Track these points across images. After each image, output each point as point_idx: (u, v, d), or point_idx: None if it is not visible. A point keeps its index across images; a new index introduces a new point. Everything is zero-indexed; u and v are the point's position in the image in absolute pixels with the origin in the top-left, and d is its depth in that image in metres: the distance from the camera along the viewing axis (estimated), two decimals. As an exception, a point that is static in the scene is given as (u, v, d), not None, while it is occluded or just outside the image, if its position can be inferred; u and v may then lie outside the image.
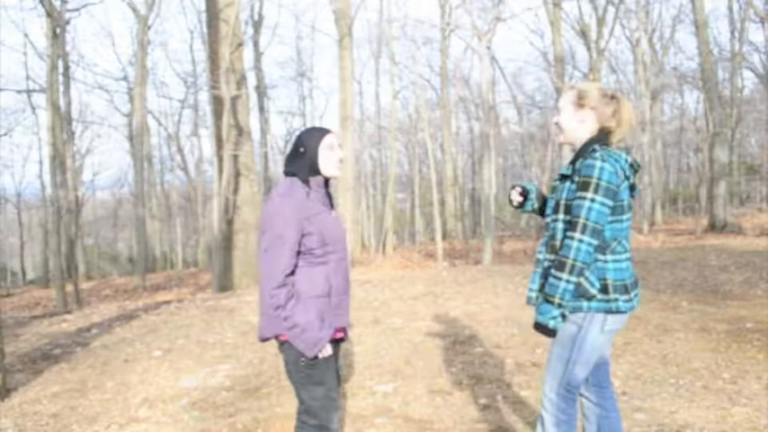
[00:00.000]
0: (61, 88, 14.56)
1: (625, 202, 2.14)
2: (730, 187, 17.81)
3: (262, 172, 24.94)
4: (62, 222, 13.71)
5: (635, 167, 2.18)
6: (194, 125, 30.23)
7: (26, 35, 28.87)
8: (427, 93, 30.15)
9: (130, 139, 22.88)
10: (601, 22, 23.36)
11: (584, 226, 2.04)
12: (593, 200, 2.04)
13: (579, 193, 2.07)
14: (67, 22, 15.88)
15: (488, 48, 20.62)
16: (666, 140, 30.45)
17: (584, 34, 23.97)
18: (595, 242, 2.06)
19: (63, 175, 14.17)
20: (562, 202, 2.16)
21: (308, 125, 32.47)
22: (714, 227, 15.19)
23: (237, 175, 11.58)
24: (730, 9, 23.32)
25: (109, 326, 6.47)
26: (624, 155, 2.16)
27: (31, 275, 28.77)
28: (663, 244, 13.46)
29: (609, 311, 2.13)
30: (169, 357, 5.04)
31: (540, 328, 2.15)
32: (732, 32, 23.43)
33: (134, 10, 21.18)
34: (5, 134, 25.74)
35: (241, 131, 11.70)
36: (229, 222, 11.50)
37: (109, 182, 35.13)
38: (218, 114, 11.76)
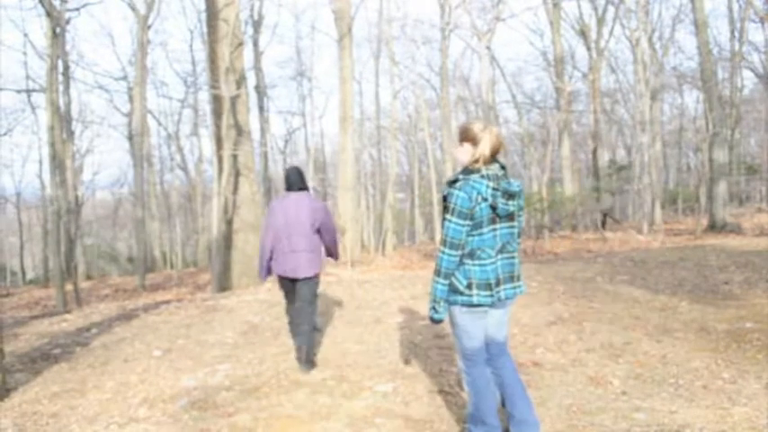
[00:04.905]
0: (61, 88, 14.55)
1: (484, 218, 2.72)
2: (730, 187, 17.80)
3: (261, 172, 24.92)
4: (62, 222, 13.70)
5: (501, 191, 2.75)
6: (194, 125, 30.25)
7: (26, 35, 28.82)
8: (427, 92, 30.20)
9: (130, 138, 22.87)
10: (600, 21, 23.37)
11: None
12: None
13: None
14: (67, 22, 15.88)
15: (488, 47, 20.60)
16: (666, 140, 30.46)
17: (583, 34, 23.98)
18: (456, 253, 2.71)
19: (62, 174, 14.16)
20: None
21: (308, 125, 32.40)
22: (714, 227, 15.17)
23: (237, 174, 11.57)
24: (730, 9, 23.35)
25: (108, 325, 6.47)
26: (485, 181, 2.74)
27: (30, 275, 28.75)
28: (662, 244, 13.46)
29: (471, 305, 2.75)
30: (169, 357, 5.04)
31: (429, 318, 2.83)
32: (732, 32, 23.46)
33: (134, 9, 21.17)
34: (5, 134, 25.77)
35: (241, 131, 11.69)
36: (229, 222, 11.49)
37: (108, 181, 35.18)
38: (217, 114, 11.75)
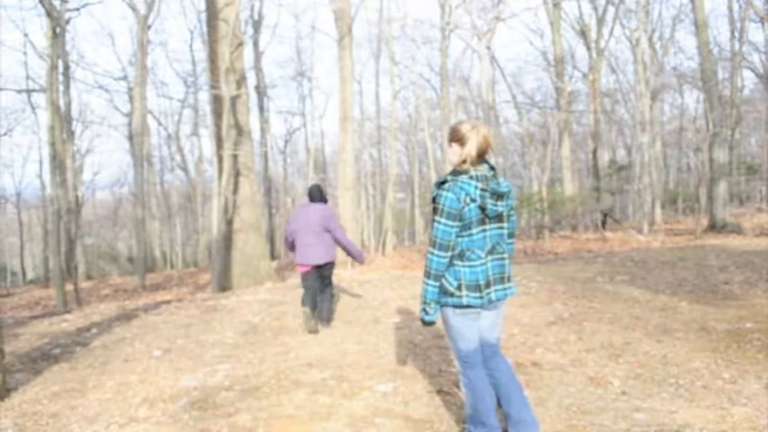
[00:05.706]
0: (61, 88, 14.56)
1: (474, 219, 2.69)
2: (730, 187, 17.79)
3: (261, 172, 24.95)
4: (62, 222, 13.70)
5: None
6: (194, 125, 30.29)
7: (26, 35, 28.97)
8: (427, 92, 30.24)
9: (130, 138, 22.88)
10: (600, 21, 23.36)
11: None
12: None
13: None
14: (67, 22, 15.90)
15: (488, 47, 20.61)
16: (666, 140, 30.47)
17: (583, 34, 23.98)
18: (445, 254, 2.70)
19: (63, 174, 14.17)
20: None
21: (308, 125, 32.45)
22: (714, 227, 15.18)
23: (237, 174, 11.56)
24: (730, 9, 23.37)
25: (109, 325, 6.48)
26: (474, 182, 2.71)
27: (30, 275, 28.78)
28: (662, 244, 13.46)
29: (461, 306, 2.73)
30: (169, 357, 5.04)
31: (420, 319, 2.83)
32: (732, 32, 23.47)
33: (134, 9, 21.19)
34: (5, 134, 25.80)
35: (241, 131, 11.69)
36: (229, 222, 11.49)
37: (109, 181, 35.29)
38: (217, 114, 11.75)
